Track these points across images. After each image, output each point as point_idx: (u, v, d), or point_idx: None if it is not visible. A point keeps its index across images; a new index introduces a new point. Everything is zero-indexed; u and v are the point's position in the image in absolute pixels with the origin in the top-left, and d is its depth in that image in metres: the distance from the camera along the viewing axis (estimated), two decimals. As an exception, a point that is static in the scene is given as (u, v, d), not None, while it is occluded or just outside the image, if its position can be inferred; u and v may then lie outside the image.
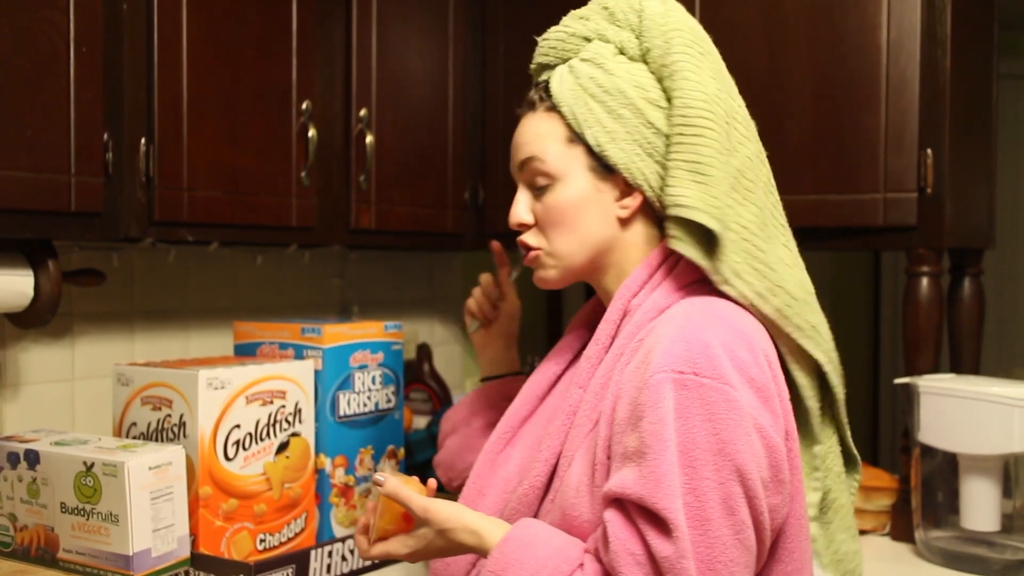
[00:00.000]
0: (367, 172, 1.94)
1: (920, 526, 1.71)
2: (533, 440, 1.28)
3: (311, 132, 1.80)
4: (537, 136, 1.23)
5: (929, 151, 1.70)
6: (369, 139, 1.94)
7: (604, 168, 1.19)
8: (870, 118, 1.73)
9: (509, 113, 2.19)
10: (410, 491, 1.15)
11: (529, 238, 1.25)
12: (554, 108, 1.22)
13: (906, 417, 1.73)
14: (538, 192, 1.23)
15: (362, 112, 1.93)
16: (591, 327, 1.31)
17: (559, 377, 1.32)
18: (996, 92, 1.96)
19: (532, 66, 1.29)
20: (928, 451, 1.69)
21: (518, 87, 2.18)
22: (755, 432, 1.03)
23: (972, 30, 1.83)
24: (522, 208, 1.25)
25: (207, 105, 1.64)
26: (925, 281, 1.74)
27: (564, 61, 1.24)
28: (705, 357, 1.04)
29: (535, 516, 1.20)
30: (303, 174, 1.80)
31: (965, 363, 1.93)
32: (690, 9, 1.73)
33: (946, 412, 1.64)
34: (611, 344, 1.19)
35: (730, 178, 1.14)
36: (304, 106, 1.80)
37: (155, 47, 1.56)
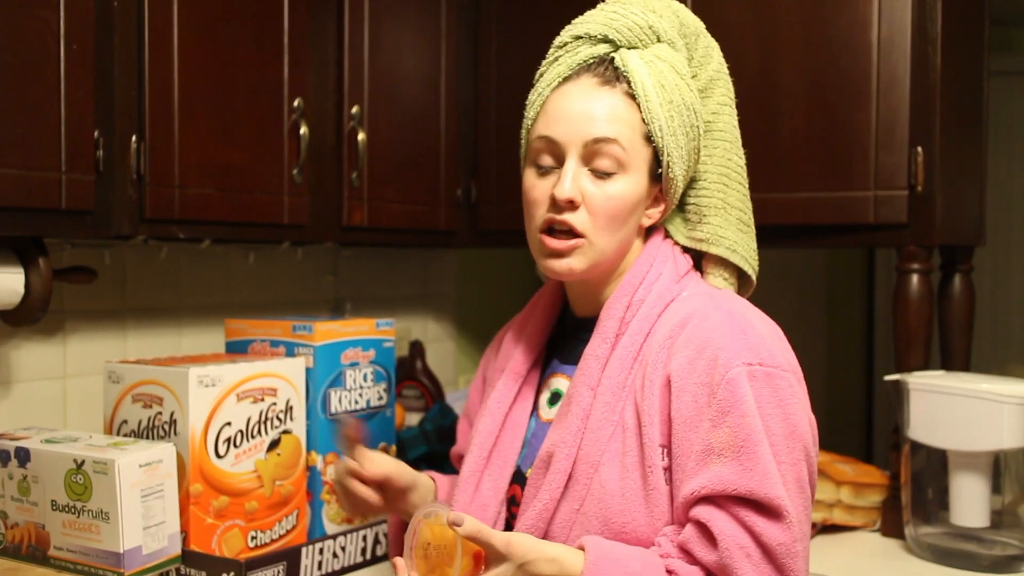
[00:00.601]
0: (359, 169, 1.94)
1: (910, 522, 1.72)
2: (501, 460, 1.26)
3: (303, 129, 1.80)
4: (618, 118, 1.15)
5: (920, 149, 1.70)
6: (361, 136, 1.94)
7: (657, 175, 1.20)
8: (861, 116, 1.73)
9: (501, 110, 2.21)
10: (487, 527, 1.03)
11: (576, 220, 1.15)
12: (633, 97, 1.16)
13: (896, 414, 1.73)
14: (599, 176, 1.15)
15: (354, 109, 1.93)
16: (543, 335, 1.29)
17: (520, 391, 1.28)
18: (987, 89, 1.97)
19: (586, 31, 1.19)
20: (918, 448, 1.70)
21: (510, 84, 2.19)
22: (805, 413, 1.11)
23: (963, 27, 1.84)
24: (575, 185, 1.15)
25: (198, 102, 1.64)
26: (915, 278, 1.74)
27: (630, 47, 1.18)
28: (764, 347, 1.10)
29: (548, 528, 1.15)
30: (295, 171, 1.80)
31: (955, 360, 1.94)
32: (682, 6, 1.74)
33: (936, 409, 1.64)
34: (616, 341, 1.18)
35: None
36: (296, 103, 1.80)
37: (146, 44, 1.56)
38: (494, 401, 1.27)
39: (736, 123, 1.28)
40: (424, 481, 1.34)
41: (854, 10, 1.74)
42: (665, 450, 1.10)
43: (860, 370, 4.01)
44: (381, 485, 1.28)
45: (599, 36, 1.19)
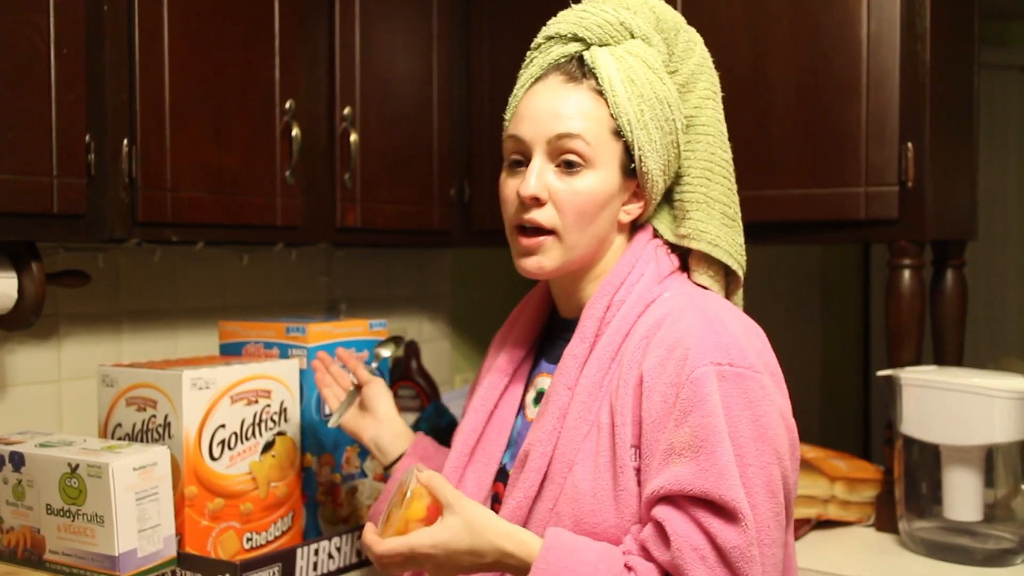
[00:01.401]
0: (352, 170, 1.94)
1: (904, 517, 1.72)
2: (486, 456, 1.26)
3: (295, 131, 1.81)
4: (583, 114, 1.16)
5: (910, 144, 1.71)
6: (354, 137, 1.94)
7: (631, 170, 1.19)
8: (851, 112, 1.74)
9: (494, 109, 2.21)
10: (446, 483, 1.07)
11: (542, 216, 1.16)
12: (601, 93, 1.17)
13: (889, 409, 1.74)
14: (566, 171, 1.16)
15: (346, 111, 1.94)
16: (532, 334, 1.30)
17: (506, 388, 1.29)
18: (977, 84, 1.97)
19: (557, 31, 1.21)
20: (911, 442, 1.70)
21: (503, 84, 2.18)
22: (779, 416, 1.08)
23: (952, 22, 1.84)
24: (540, 182, 1.16)
25: (190, 105, 1.64)
26: (907, 274, 1.75)
27: (602, 44, 1.19)
28: (736, 347, 1.08)
29: (524, 525, 1.16)
30: (287, 173, 1.80)
31: (948, 355, 1.95)
32: (671, 4, 1.74)
33: (928, 404, 1.65)
34: (596, 341, 1.18)
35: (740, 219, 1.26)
36: (288, 105, 1.80)
37: (136, 48, 1.56)
38: (479, 398, 1.29)
39: (721, 116, 1.26)
40: (401, 430, 1.44)
41: (843, 7, 1.74)
42: (636, 451, 1.10)
43: (856, 366, 4.02)
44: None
45: (569, 35, 1.20)
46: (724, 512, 1.02)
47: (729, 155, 1.26)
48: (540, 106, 1.17)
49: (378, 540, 1.07)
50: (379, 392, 1.44)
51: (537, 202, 1.16)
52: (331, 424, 1.44)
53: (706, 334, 1.08)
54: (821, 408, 3.90)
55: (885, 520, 1.81)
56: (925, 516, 1.72)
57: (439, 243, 2.25)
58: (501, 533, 1.07)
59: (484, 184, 2.20)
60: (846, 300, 4.11)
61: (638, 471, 1.09)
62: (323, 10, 1.92)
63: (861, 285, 4.09)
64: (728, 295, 1.26)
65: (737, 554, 1.01)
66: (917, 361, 1.76)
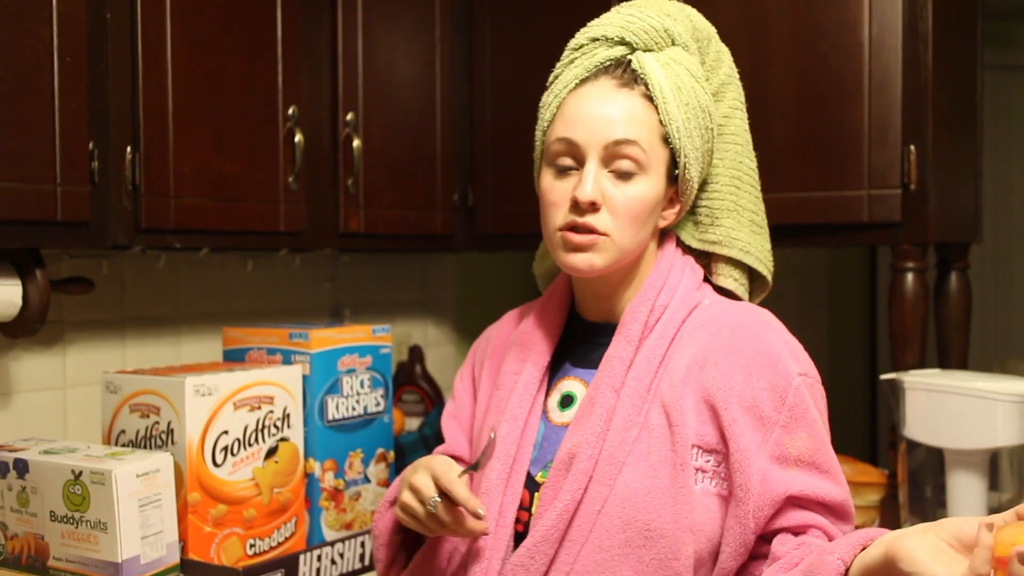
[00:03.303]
0: (355, 176, 1.95)
1: (908, 521, 1.72)
2: (519, 466, 1.23)
3: (298, 137, 1.81)
4: (638, 120, 1.17)
5: (912, 147, 1.70)
6: (356, 143, 1.94)
7: (673, 177, 1.21)
8: (853, 115, 1.74)
9: (497, 114, 2.21)
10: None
11: (598, 221, 1.16)
12: (651, 99, 1.18)
13: (892, 413, 1.73)
14: (620, 177, 1.16)
15: (349, 116, 1.94)
16: (555, 340, 1.29)
17: (535, 396, 1.27)
18: (980, 86, 1.97)
19: (603, 33, 1.20)
20: (915, 446, 1.70)
21: (505, 88, 2.20)
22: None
23: (955, 24, 1.84)
24: (597, 187, 1.16)
25: (192, 112, 1.64)
26: (910, 276, 1.75)
27: (646, 49, 1.20)
28: (805, 357, 1.17)
29: (567, 529, 1.14)
30: (290, 179, 1.81)
31: (952, 358, 1.94)
32: (672, 9, 1.74)
33: (931, 407, 1.64)
34: (640, 344, 1.19)
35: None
36: (291, 111, 1.81)
37: (139, 55, 1.57)
38: (515, 405, 1.25)
39: (747, 127, 1.29)
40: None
41: (845, 9, 1.74)
42: (699, 451, 1.12)
43: (863, 369, 4.01)
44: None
45: (616, 38, 1.19)
46: (841, 515, 1.12)
47: (755, 164, 1.30)
48: (593, 110, 1.17)
49: None
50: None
51: (594, 207, 1.16)
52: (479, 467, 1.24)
53: (782, 344, 1.16)
54: (829, 412, 3.88)
55: (889, 524, 1.80)
56: (929, 520, 1.71)
57: (442, 248, 2.25)
58: None
59: (487, 189, 2.20)
60: (853, 303, 4.10)
61: (699, 471, 1.12)
62: (325, 16, 1.92)
63: (868, 288, 4.08)
64: (753, 300, 1.31)
65: None
66: (921, 364, 1.76)
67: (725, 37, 1.85)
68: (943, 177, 1.76)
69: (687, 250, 1.28)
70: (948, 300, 1.94)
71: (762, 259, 1.27)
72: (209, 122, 1.68)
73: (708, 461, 1.12)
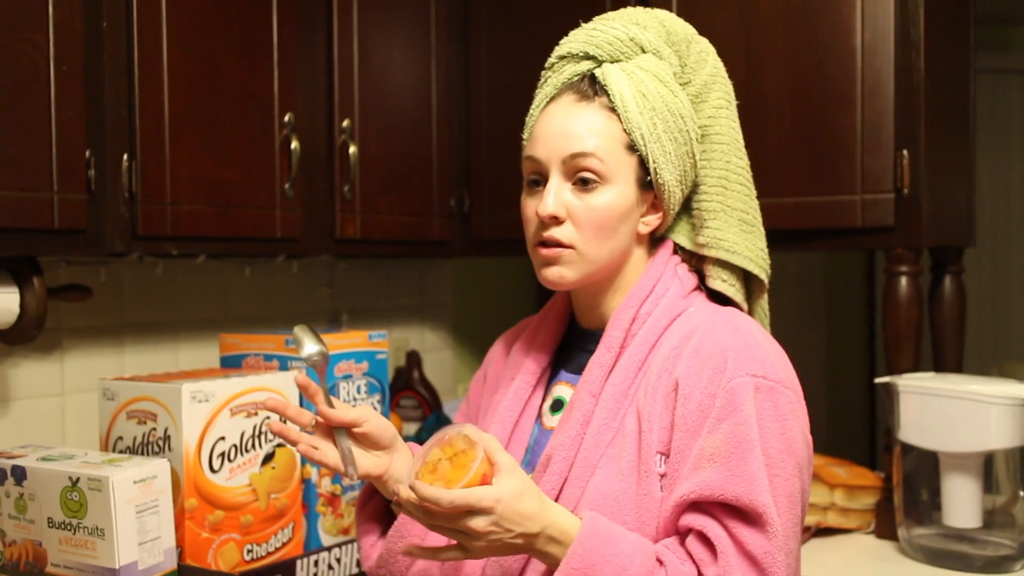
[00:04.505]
0: (351, 182, 1.96)
1: (903, 524, 1.72)
2: None
3: (294, 144, 1.82)
4: (596, 131, 1.18)
5: (905, 152, 1.71)
6: (353, 149, 1.95)
7: (647, 183, 1.21)
8: (847, 120, 1.75)
9: (493, 120, 2.22)
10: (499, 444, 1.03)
11: (562, 234, 1.18)
12: (613, 109, 1.19)
13: (887, 416, 1.74)
14: (582, 188, 1.18)
15: (345, 123, 1.95)
16: (553, 346, 1.31)
17: (528, 399, 1.29)
18: (974, 91, 1.98)
19: (568, 50, 1.23)
20: (909, 449, 1.71)
21: (502, 94, 2.21)
22: (802, 431, 1.13)
23: (947, 30, 1.85)
24: (558, 201, 1.18)
25: (189, 120, 1.65)
26: (904, 280, 1.75)
27: (613, 60, 1.21)
28: (769, 362, 1.12)
29: None
30: (287, 185, 1.82)
31: (947, 361, 1.95)
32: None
33: (926, 410, 1.65)
34: (621, 351, 1.20)
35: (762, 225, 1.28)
36: (287, 118, 1.82)
37: (135, 63, 1.58)
38: (505, 409, 1.28)
39: (736, 125, 1.28)
40: (407, 450, 1.25)
41: (838, 16, 1.75)
42: (663, 457, 1.12)
43: (862, 373, 4.02)
44: (358, 440, 1.20)
45: (581, 54, 1.22)
46: (751, 518, 1.05)
47: (746, 162, 1.28)
48: (554, 126, 1.20)
49: (443, 490, 0.99)
50: (380, 421, 1.21)
51: (556, 220, 1.19)
52: (356, 479, 1.18)
53: (742, 347, 1.12)
54: (827, 416, 3.89)
55: (885, 527, 1.81)
56: (924, 523, 1.72)
57: (439, 253, 2.26)
58: (556, 506, 1.07)
59: (483, 194, 2.21)
60: (851, 307, 4.11)
61: (663, 477, 1.11)
62: (321, 23, 1.93)
63: (866, 292, 4.09)
64: (751, 302, 1.29)
65: (768, 560, 1.04)
66: (915, 368, 1.77)
67: (720, 43, 1.86)
68: (936, 181, 1.77)
69: (684, 254, 1.28)
70: (942, 304, 1.95)
71: (753, 258, 1.25)
72: (205, 129, 1.69)
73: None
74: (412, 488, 1.00)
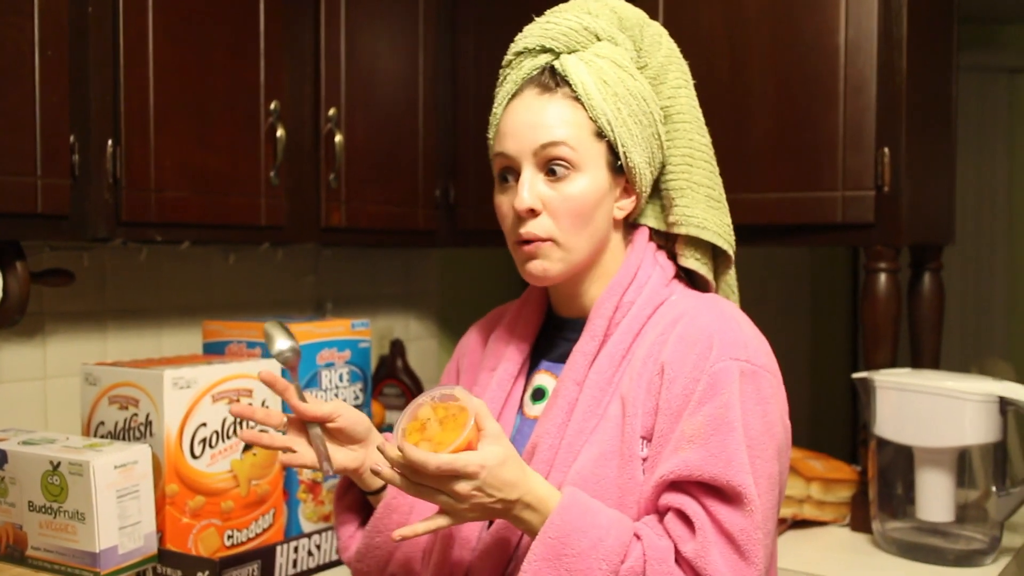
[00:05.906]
0: (337, 171, 1.96)
1: (877, 517, 1.74)
2: None
3: (279, 132, 1.82)
4: (564, 121, 1.18)
5: (886, 150, 1.73)
6: (338, 138, 1.96)
7: (618, 167, 1.22)
8: (829, 118, 1.76)
9: (479, 110, 2.23)
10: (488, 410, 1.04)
11: (538, 227, 1.18)
12: (577, 99, 1.20)
13: (863, 410, 1.76)
14: (554, 179, 1.18)
15: (331, 112, 1.95)
16: (532, 336, 1.31)
17: (510, 392, 1.30)
18: (956, 89, 1.99)
19: (524, 46, 1.24)
20: (885, 444, 1.73)
21: (488, 85, 2.20)
22: (781, 416, 1.15)
23: (930, 29, 1.86)
24: (533, 194, 1.18)
25: (174, 106, 1.65)
26: (883, 277, 1.77)
27: (570, 51, 1.22)
28: (752, 347, 1.14)
29: None
30: (272, 173, 1.82)
31: (925, 357, 1.97)
32: (653, 11, 1.77)
33: (902, 406, 1.67)
34: (605, 340, 1.21)
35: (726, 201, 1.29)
36: (272, 106, 1.82)
37: (121, 49, 1.58)
38: (488, 400, 1.28)
39: (696, 103, 1.29)
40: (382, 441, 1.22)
41: (822, 14, 1.77)
42: (645, 442, 1.13)
43: (845, 367, 4.05)
44: (332, 434, 1.19)
45: (537, 47, 1.23)
46: (730, 497, 1.06)
47: (708, 140, 1.29)
48: (521, 120, 1.20)
49: (432, 454, 1.00)
50: (354, 414, 1.21)
51: (532, 213, 1.19)
52: (331, 472, 1.18)
53: (727, 332, 1.14)
54: (810, 409, 3.92)
55: (860, 520, 1.83)
56: (898, 517, 1.75)
57: (424, 243, 2.27)
58: (536, 475, 1.09)
59: (469, 185, 2.22)
60: (835, 302, 4.13)
61: (644, 461, 1.13)
62: (308, 12, 1.93)
63: (850, 288, 4.12)
64: (717, 276, 1.30)
65: (744, 537, 1.05)
66: (893, 363, 1.79)
67: (705, 41, 1.88)
68: (916, 179, 1.79)
69: (659, 238, 1.29)
70: (921, 301, 1.97)
71: (720, 233, 1.27)
72: (191, 116, 1.69)
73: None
74: (401, 449, 1.01)
